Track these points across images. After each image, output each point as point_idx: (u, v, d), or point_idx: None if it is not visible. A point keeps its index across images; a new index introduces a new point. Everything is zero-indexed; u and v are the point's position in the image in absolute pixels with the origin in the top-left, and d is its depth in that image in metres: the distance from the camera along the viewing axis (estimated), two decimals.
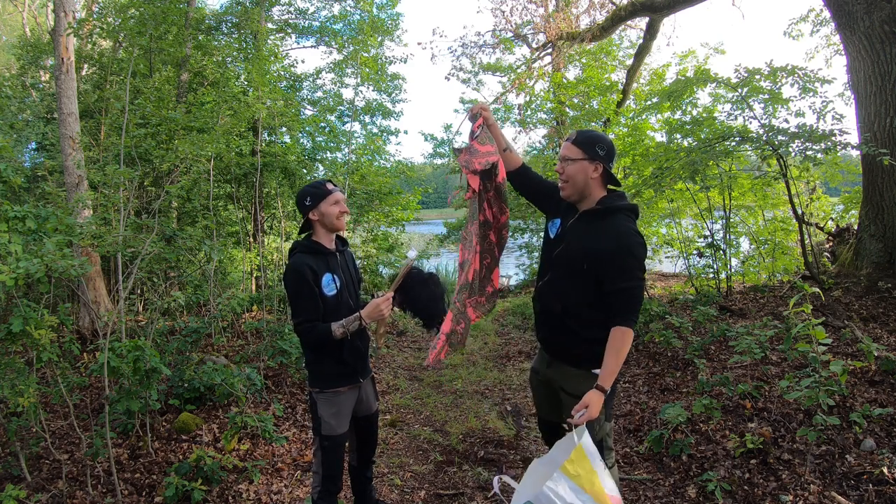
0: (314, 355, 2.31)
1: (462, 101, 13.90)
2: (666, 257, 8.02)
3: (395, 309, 2.43)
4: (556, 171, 2.12)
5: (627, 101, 10.62)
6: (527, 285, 10.72)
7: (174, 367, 4.00)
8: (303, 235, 2.41)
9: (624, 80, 11.26)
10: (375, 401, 2.55)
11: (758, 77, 5.39)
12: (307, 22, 11.23)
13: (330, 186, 2.32)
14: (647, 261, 7.84)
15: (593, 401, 1.92)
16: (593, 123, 9.99)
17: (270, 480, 3.13)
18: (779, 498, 2.45)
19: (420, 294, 2.38)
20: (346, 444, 2.46)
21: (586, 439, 1.94)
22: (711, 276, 6.26)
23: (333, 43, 10.53)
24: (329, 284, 2.27)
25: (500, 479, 2.08)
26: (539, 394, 2.44)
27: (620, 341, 1.95)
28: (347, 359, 2.30)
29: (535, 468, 2.02)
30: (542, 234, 2.25)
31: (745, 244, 7.34)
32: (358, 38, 8.93)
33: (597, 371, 2.13)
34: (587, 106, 9.96)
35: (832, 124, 4.93)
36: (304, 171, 7.87)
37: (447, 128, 12.26)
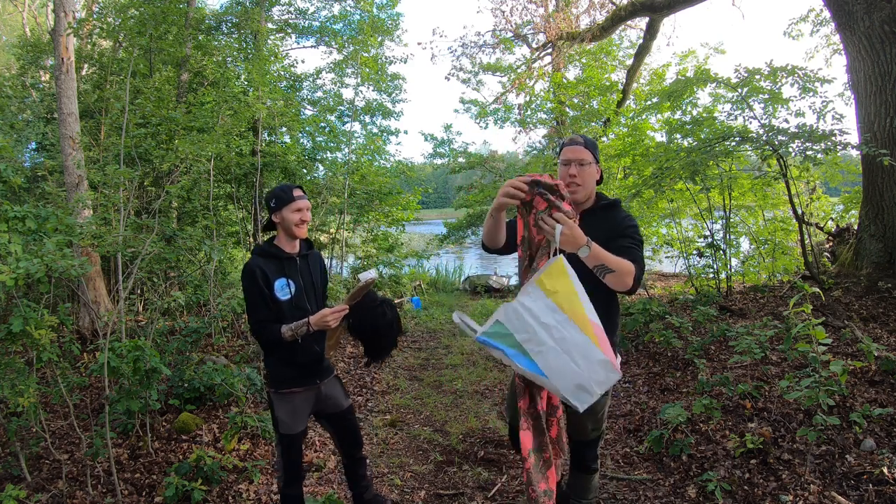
0: (269, 357, 2.37)
1: (462, 101, 13.89)
2: (666, 257, 8.02)
3: (347, 332, 2.42)
4: (570, 174, 2.03)
5: (627, 101, 10.64)
6: None
7: (174, 367, 4.00)
8: (269, 235, 2.44)
9: (624, 80, 11.27)
10: (346, 398, 2.56)
11: (758, 77, 5.39)
12: (307, 22, 11.23)
13: (297, 193, 2.31)
14: (647, 261, 7.85)
15: (576, 227, 1.79)
16: (593, 123, 10.00)
17: (270, 480, 3.13)
18: (779, 498, 2.45)
19: (365, 320, 2.33)
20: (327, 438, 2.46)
21: (565, 261, 1.76)
22: (711, 276, 6.26)
23: (333, 43, 10.53)
24: (283, 289, 2.29)
25: (460, 315, 1.92)
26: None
27: (625, 262, 1.86)
28: (301, 361, 2.32)
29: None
30: None
31: (745, 244, 7.35)
32: (358, 38, 8.95)
33: None
34: (587, 106, 9.97)
35: (832, 124, 4.94)
36: (304, 171, 7.89)
37: (447, 127, 12.25)
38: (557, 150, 2.23)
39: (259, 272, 2.25)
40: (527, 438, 1.95)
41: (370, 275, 2.33)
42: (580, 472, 2.30)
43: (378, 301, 2.37)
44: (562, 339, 1.71)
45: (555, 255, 1.80)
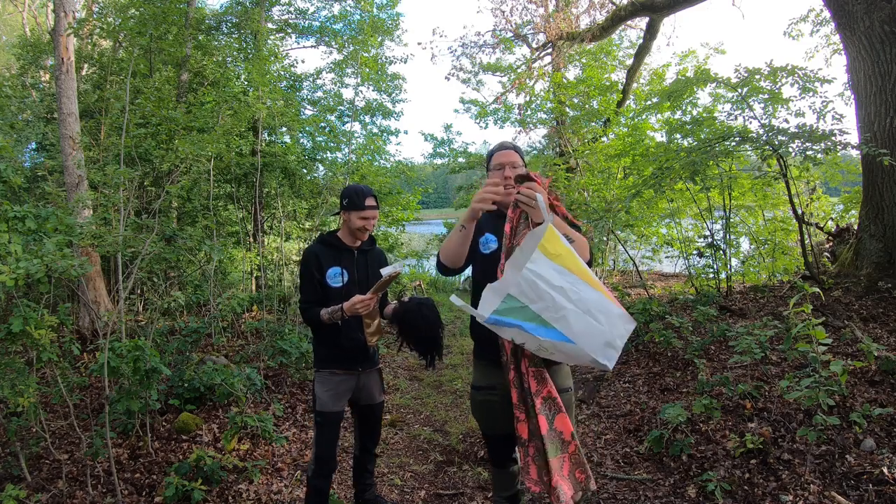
0: (315, 337, 2.52)
1: (462, 101, 13.89)
2: (666, 257, 8.02)
3: (398, 341, 2.54)
4: (505, 176, 2.05)
5: (627, 101, 10.63)
6: None
7: (174, 367, 4.00)
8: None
9: (624, 80, 11.26)
10: (380, 393, 2.65)
11: (758, 77, 5.39)
12: (307, 22, 11.22)
13: (368, 202, 2.44)
14: (647, 261, 7.80)
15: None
16: (593, 123, 10.00)
17: (270, 480, 3.13)
18: (779, 498, 2.45)
19: (416, 322, 2.41)
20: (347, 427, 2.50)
21: (553, 226, 1.76)
22: (711, 276, 6.26)
23: (333, 43, 10.52)
24: (335, 277, 2.44)
25: (459, 300, 1.88)
26: (498, 411, 2.15)
27: (578, 234, 1.94)
28: (344, 344, 2.45)
29: (508, 268, 1.81)
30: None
31: (745, 244, 7.34)
32: (358, 38, 8.93)
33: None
34: (587, 106, 9.97)
35: (832, 124, 4.93)
36: (304, 171, 7.89)
37: (447, 127, 12.25)
38: (486, 158, 2.22)
39: (314, 258, 2.43)
40: (522, 429, 1.90)
41: (394, 269, 2.40)
42: None
43: (416, 303, 2.45)
44: (579, 299, 1.69)
45: (537, 224, 1.80)
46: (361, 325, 2.47)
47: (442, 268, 2.06)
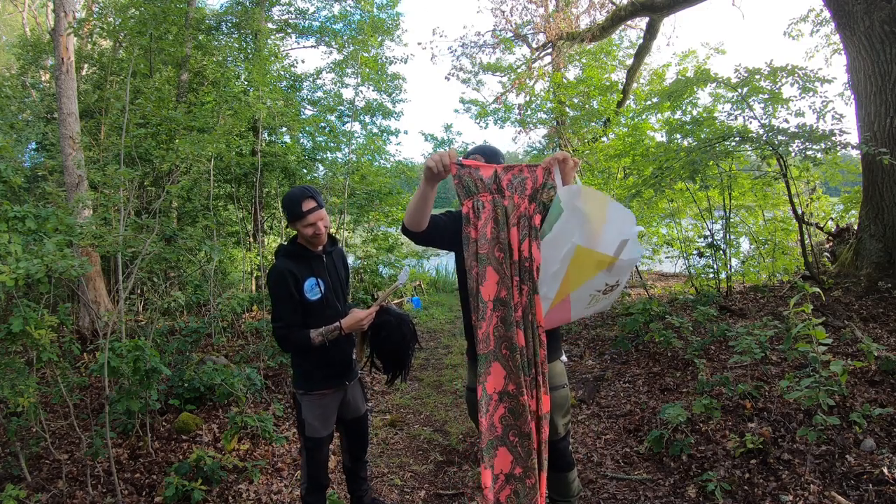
0: (300, 357, 2.31)
1: (462, 101, 13.88)
2: (666, 257, 8.02)
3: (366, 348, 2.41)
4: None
5: (627, 101, 10.63)
6: None
7: (174, 367, 4.00)
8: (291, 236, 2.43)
9: (624, 80, 11.26)
10: (364, 402, 2.54)
11: (758, 77, 5.39)
12: (307, 22, 11.21)
13: (306, 207, 2.17)
14: (647, 260, 7.80)
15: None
16: (593, 123, 10.00)
17: (270, 480, 3.13)
18: (779, 498, 2.45)
19: (385, 337, 2.33)
20: (335, 442, 2.46)
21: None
22: (711, 276, 6.26)
23: (333, 43, 10.52)
24: (313, 289, 2.23)
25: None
26: None
27: None
28: (334, 362, 2.30)
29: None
30: None
31: (745, 244, 7.34)
32: (358, 38, 8.94)
33: (564, 358, 2.18)
34: (587, 106, 9.97)
35: (832, 124, 4.93)
36: (304, 171, 7.89)
37: (447, 127, 12.25)
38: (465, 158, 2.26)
39: (290, 276, 2.17)
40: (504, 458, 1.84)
41: (403, 277, 2.36)
42: (560, 472, 2.25)
43: (394, 317, 2.35)
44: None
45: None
46: (348, 338, 2.33)
47: (404, 230, 2.10)
